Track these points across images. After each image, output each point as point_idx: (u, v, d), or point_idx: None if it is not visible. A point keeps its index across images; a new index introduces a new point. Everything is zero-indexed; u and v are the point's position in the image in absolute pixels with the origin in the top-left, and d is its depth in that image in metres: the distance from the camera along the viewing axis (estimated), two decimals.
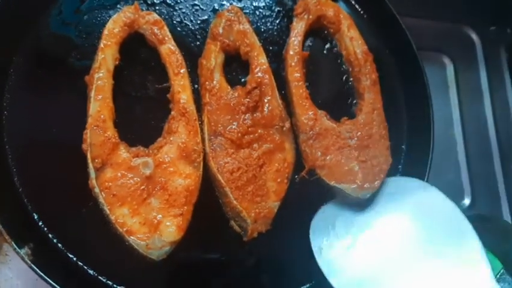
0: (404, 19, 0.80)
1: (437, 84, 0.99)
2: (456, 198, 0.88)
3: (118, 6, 0.75)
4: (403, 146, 0.79)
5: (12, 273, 0.71)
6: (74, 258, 0.61)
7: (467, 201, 0.92)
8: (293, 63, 0.75)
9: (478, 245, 0.59)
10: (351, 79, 0.79)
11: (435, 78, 1.00)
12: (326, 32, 0.81)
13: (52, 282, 0.55)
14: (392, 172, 0.73)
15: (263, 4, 0.81)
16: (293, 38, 0.77)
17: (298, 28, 0.78)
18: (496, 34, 1.05)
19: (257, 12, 0.81)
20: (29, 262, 0.56)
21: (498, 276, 0.72)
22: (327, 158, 0.70)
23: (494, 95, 1.00)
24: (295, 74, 0.74)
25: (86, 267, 0.61)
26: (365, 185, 0.69)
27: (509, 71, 1.02)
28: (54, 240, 0.61)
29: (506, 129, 0.97)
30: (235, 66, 0.76)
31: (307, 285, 0.68)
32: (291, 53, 0.76)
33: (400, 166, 0.78)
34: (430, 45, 0.93)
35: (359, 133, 0.72)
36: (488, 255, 0.71)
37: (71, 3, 0.74)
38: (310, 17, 0.78)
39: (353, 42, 0.78)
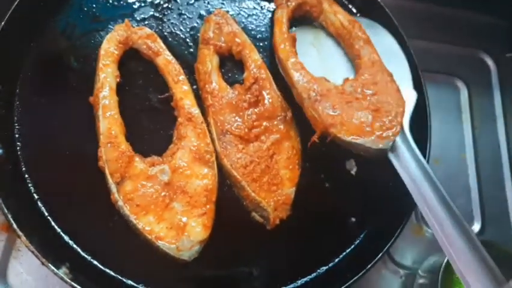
0: (419, 42, 0.84)
1: (451, 108, 1.01)
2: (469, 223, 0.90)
3: (109, 26, 0.78)
4: None
5: (23, 268, 0.72)
6: (111, 272, 0.63)
7: (476, 227, 0.91)
8: (283, 46, 0.76)
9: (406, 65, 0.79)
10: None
11: (449, 101, 1.02)
12: (309, 17, 0.83)
13: None
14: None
15: (246, 3, 0.84)
16: (277, 28, 0.78)
17: (280, 16, 0.79)
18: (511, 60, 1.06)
19: (242, 13, 0.84)
20: (69, 281, 0.58)
21: None
22: (337, 114, 0.68)
23: (508, 121, 1.01)
24: (287, 52, 0.75)
25: (122, 278, 0.63)
26: (384, 134, 0.67)
27: None
28: (89, 257, 0.63)
29: None
30: (231, 66, 0.79)
31: (332, 263, 0.71)
32: (278, 39, 0.77)
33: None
34: (445, 69, 0.93)
35: (364, 84, 0.71)
36: None
37: (66, 28, 0.76)
38: (293, 4, 0.80)
39: (337, 15, 0.80)
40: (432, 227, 0.60)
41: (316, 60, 0.80)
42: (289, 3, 0.81)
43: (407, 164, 0.67)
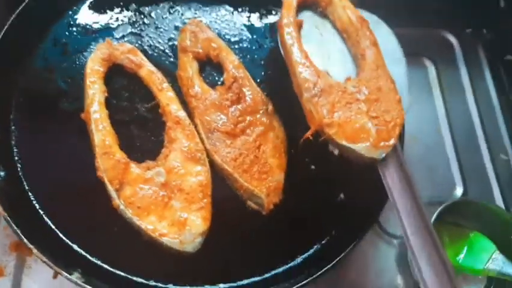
0: None
1: (421, 86, 1.06)
2: (449, 189, 0.95)
3: (91, 46, 0.82)
4: None
5: (36, 284, 0.75)
6: (121, 272, 0.67)
7: (459, 191, 0.96)
8: (288, 29, 0.74)
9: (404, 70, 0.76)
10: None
11: (419, 80, 1.07)
12: (317, 8, 0.81)
13: None
14: None
15: (218, 12, 0.90)
16: (285, 10, 0.76)
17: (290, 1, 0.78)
18: (472, 35, 1.13)
19: (215, 20, 0.89)
20: (83, 284, 0.61)
21: (492, 257, 0.78)
22: (335, 114, 0.66)
23: (476, 91, 1.06)
24: (292, 37, 0.73)
25: (133, 277, 0.67)
26: (380, 143, 0.65)
27: (488, 67, 1.10)
28: (99, 262, 0.67)
29: (491, 121, 1.03)
30: (209, 70, 0.84)
31: (327, 238, 0.75)
32: (285, 21, 0.75)
33: None
34: (411, 50, 0.91)
35: (366, 87, 0.69)
36: (482, 239, 0.81)
37: (51, 52, 0.81)
38: None
39: (346, 10, 0.77)
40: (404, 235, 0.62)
41: (318, 51, 0.76)
42: None
43: (393, 177, 0.67)
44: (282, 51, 0.77)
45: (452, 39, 1.13)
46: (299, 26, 0.77)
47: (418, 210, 0.62)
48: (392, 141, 0.66)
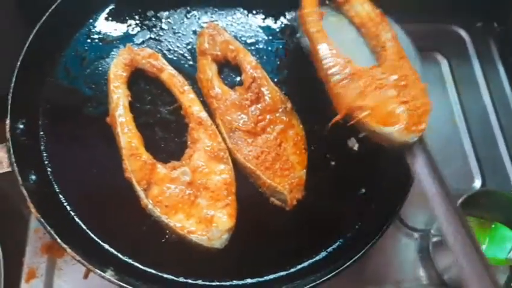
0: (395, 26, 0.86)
1: (435, 81, 1.07)
2: (467, 181, 0.97)
3: (112, 53, 0.85)
4: None
5: (67, 285, 0.78)
6: (152, 270, 0.69)
7: (478, 183, 0.97)
8: (311, 18, 0.75)
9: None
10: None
11: (433, 75, 1.08)
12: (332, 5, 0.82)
13: None
14: None
15: (233, 15, 0.92)
16: (306, 1, 0.77)
17: None
18: (484, 29, 1.14)
19: (231, 23, 0.91)
20: (116, 281, 0.63)
21: None
22: (366, 98, 0.66)
23: (490, 83, 1.08)
24: (316, 25, 0.75)
25: (163, 274, 0.69)
26: (412, 127, 0.65)
27: (501, 60, 1.11)
28: (130, 260, 0.69)
29: (506, 113, 1.04)
30: (228, 71, 0.86)
31: (350, 232, 0.76)
32: (307, 10, 0.76)
33: None
34: (423, 46, 0.93)
35: (394, 74, 0.69)
36: (504, 229, 0.82)
37: (74, 60, 0.83)
38: None
39: (364, 6, 0.78)
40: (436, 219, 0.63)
41: (337, 42, 0.76)
42: None
43: (421, 163, 0.67)
44: (302, 43, 0.78)
45: (463, 34, 1.15)
46: (321, 16, 0.77)
47: (447, 194, 0.63)
48: (423, 125, 0.66)
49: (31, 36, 0.79)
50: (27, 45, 0.78)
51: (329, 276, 0.68)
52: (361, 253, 0.69)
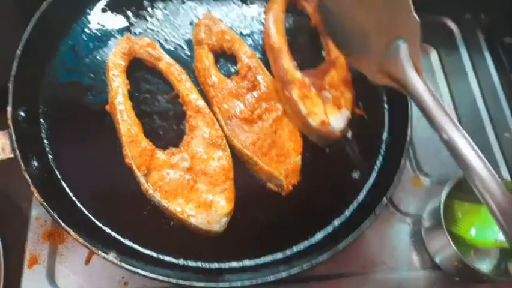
0: None
1: (425, 71, 1.06)
2: (458, 168, 0.96)
3: (110, 43, 0.86)
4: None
5: (69, 270, 0.79)
6: (154, 254, 0.71)
7: None
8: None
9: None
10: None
11: (422, 65, 1.09)
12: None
13: (144, 273, 0.65)
14: None
15: (229, 6, 0.93)
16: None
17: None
18: (472, 20, 1.17)
19: (226, 14, 0.93)
20: (119, 263, 0.65)
21: None
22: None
23: (478, 73, 1.11)
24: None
25: (164, 257, 0.71)
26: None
27: (488, 51, 1.13)
28: (131, 243, 0.71)
29: (494, 102, 1.07)
30: (224, 61, 0.88)
31: (344, 215, 0.79)
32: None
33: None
34: None
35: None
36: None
37: (73, 50, 0.85)
38: None
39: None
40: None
41: None
42: None
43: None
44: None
45: (452, 25, 1.17)
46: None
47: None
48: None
49: (31, 25, 0.80)
50: (27, 34, 0.79)
51: (324, 257, 0.71)
52: (355, 234, 0.72)
